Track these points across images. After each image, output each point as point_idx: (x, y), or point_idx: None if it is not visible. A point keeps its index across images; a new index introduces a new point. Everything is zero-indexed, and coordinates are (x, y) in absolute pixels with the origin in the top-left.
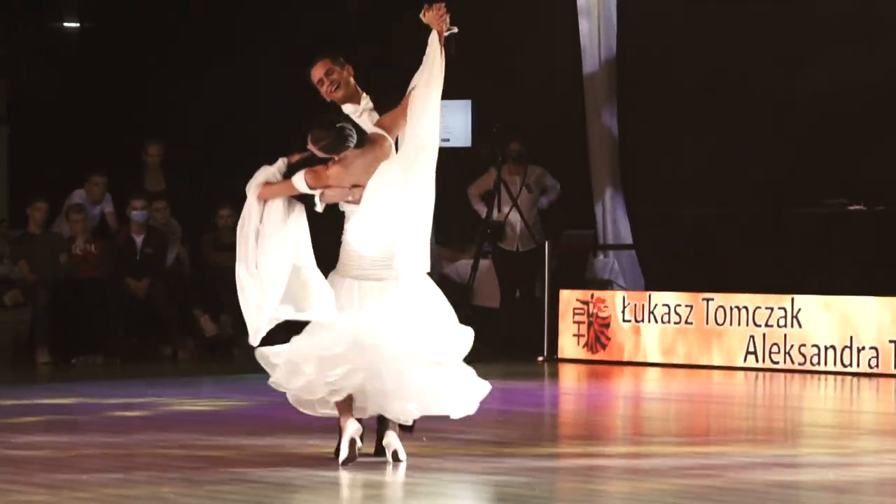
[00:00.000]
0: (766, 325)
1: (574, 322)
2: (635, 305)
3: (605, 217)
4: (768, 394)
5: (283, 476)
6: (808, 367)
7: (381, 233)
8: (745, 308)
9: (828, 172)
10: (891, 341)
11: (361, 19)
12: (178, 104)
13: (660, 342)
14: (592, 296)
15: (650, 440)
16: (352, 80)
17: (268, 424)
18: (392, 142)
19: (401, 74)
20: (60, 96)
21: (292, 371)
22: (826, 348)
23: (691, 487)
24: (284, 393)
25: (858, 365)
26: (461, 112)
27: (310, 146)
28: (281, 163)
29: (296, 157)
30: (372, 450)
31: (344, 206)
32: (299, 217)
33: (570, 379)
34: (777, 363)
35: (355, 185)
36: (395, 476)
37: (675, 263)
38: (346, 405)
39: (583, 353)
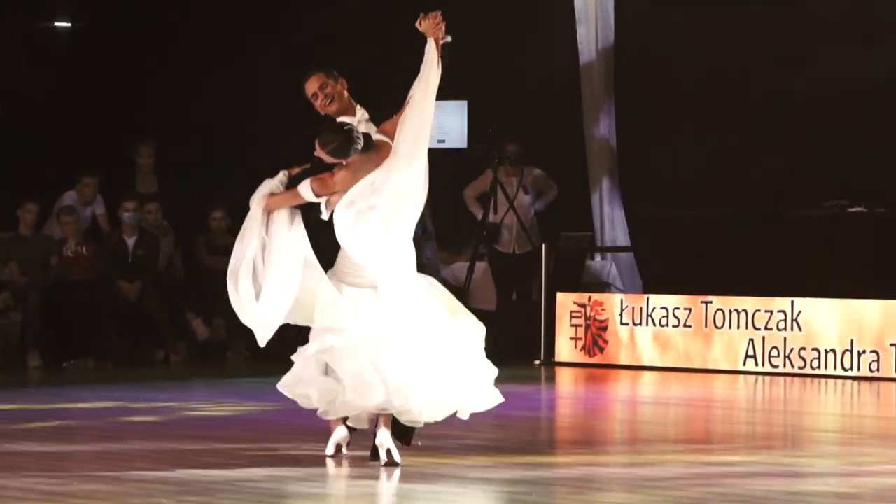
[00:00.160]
0: (766, 328)
1: (571, 325)
2: (633, 308)
3: (602, 219)
4: (768, 398)
5: (277, 481)
6: (808, 370)
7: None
8: (745, 311)
9: (828, 173)
10: (892, 344)
11: (361, 19)
12: (171, 105)
13: (658, 345)
14: (590, 298)
15: (649, 445)
16: (346, 93)
17: (261, 429)
18: None
19: (400, 74)
20: (51, 96)
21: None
22: (826, 352)
23: (691, 494)
24: (278, 397)
25: (859, 368)
26: (457, 113)
27: (318, 151)
28: (282, 175)
29: (296, 170)
30: (368, 451)
31: None
32: (300, 226)
33: (567, 383)
34: (777, 367)
35: None
36: (390, 482)
37: (673, 266)
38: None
39: (580, 357)
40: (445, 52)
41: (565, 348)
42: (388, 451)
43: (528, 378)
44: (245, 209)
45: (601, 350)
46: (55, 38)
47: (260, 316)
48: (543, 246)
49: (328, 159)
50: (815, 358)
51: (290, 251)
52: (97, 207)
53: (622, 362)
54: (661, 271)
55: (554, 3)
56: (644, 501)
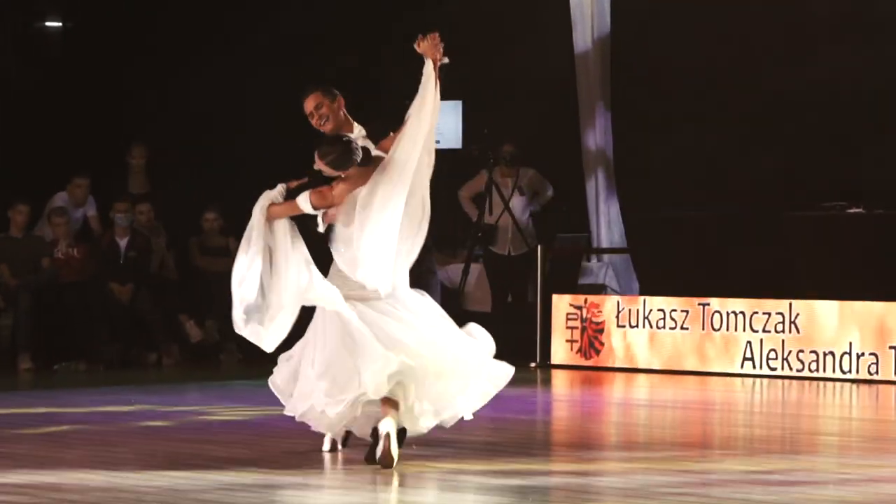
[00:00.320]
0: (764, 330)
1: (567, 327)
2: (629, 310)
3: (598, 220)
4: (766, 401)
5: (270, 484)
6: (806, 373)
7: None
8: (742, 313)
9: (827, 174)
10: (891, 347)
11: (355, 20)
12: (163, 105)
13: (655, 348)
14: (586, 300)
15: (645, 449)
16: (342, 111)
17: (254, 432)
18: None
19: (399, 74)
20: (42, 96)
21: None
22: (825, 354)
23: (687, 500)
24: (271, 399)
25: (858, 371)
26: (452, 113)
27: (317, 163)
28: (281, 187)
29: (294, 184)
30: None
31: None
32: (298, 236)
33: (562, 385)
34: (775, 369)
35: None
36: (386, 485)
37: (670, 267)
38: None
39: (576, 359)
40: (442, 73)
41: (561, 350)
42: (388, 436)
43: (523, 381)
44: (238, 210)
45: (597, 352)
46: (46, 38)
47: (267, 326)
48: (539, 247)
49: (327, 171)
50: (813, 360)
51: (296, 262)
52: (89, 209)
53: (618, 365)
54: (657, 273)
55: (549, 3)
56: None
